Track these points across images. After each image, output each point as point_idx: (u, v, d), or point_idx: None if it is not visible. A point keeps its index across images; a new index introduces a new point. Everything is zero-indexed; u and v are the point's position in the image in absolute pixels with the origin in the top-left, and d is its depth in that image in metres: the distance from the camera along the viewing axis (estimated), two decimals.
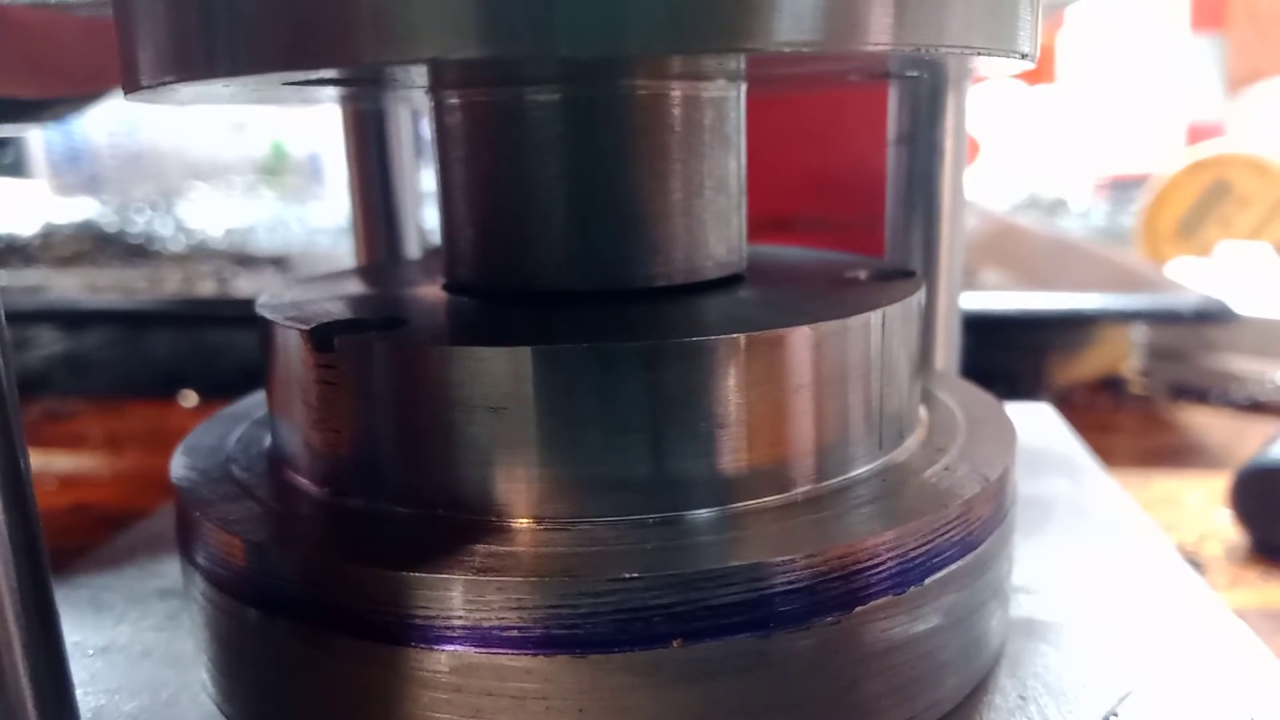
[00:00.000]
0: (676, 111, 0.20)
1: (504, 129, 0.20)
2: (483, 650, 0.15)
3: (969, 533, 0.18)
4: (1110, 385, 0.53)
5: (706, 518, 0.17)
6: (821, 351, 0.18)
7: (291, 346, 0.19)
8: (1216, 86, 1.19)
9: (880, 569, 0.17)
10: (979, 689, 0.19)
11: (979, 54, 0.16)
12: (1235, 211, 0.67)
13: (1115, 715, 0.18)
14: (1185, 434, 0.47)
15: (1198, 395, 0.51)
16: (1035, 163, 1.14)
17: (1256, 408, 0.49)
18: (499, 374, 0.17)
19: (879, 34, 0.15)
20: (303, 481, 0.19)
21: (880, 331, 0.19)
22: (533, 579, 0.15)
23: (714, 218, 0.21)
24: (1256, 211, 0.66)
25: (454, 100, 0.20)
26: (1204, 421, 0.48)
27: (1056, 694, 0.19)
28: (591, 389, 0.17)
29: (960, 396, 0.24)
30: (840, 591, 0.16)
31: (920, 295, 0.21)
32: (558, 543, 0.16)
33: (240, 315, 0.45)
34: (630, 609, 0.15)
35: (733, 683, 0.16)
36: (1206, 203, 0.68)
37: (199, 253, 0.74)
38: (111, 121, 0.95)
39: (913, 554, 0.17)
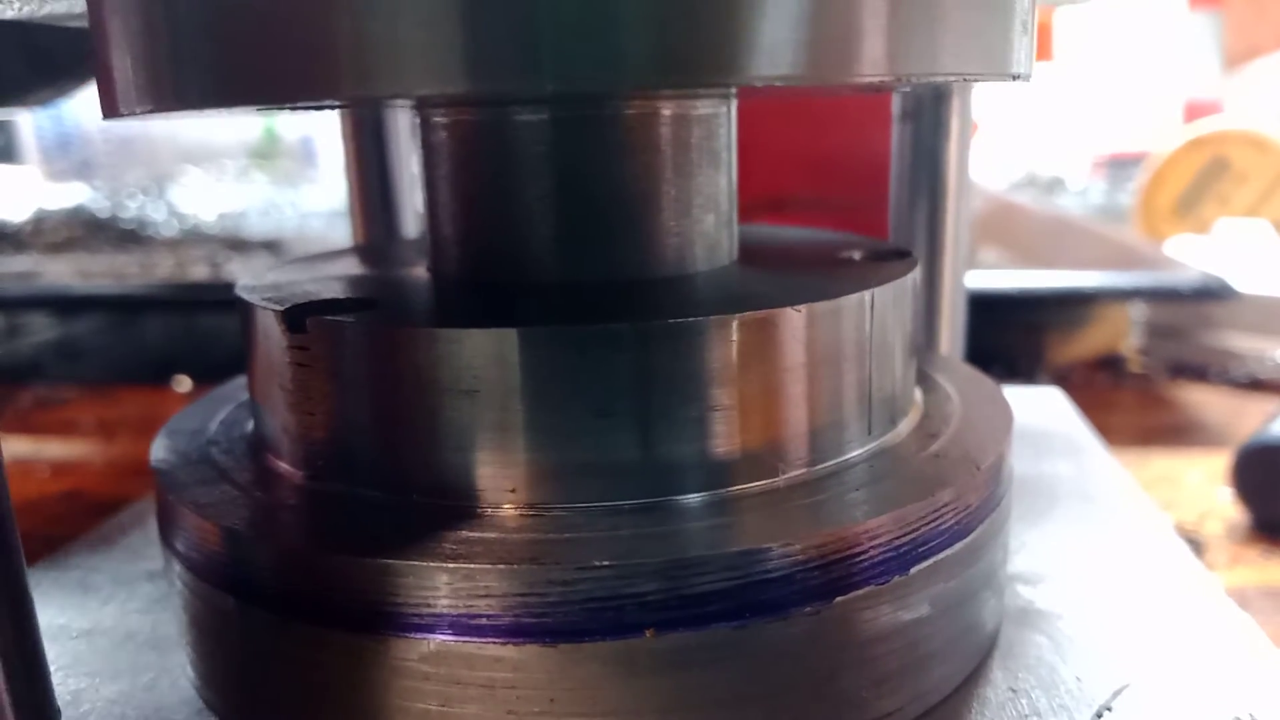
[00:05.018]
0: (665, 131, 0.19)
1: (489, 148, 0.19)
2: (452, 638, 0.15)
3: (959, 521, 0.18)
4: (1109, 364, 0.52)
5: (686, 503, 0.17)
6: (812, 332, 0.18)
7: (267, 328, 0.18)
8: (1214, 63, 1.19)
9: (862, 558, 0.16)
10: (969, 681, 0.19)
11: (972, 80, 0.16)
12: (1233, 188, 0.66)
13: (1109, 710, 0.18)
14: (1184, 412, 0.46)
15: (1197, 373, 0.50)
16: (1033, 141, 1.13)
17: (1256, 385, 0.48)
18: (469, 356, 0.16)
19: (870, 66, 0.15)
20: (281, 465, 0.19)
21: (871, 312, 0.19)
22: (501, 567, 0.15)
23: (701, 237, 0.20)
24: (1255, 188, 0.66)
25: (440, 119, 0.20)
26: (1203, 399, 0.48)
27: (1049, 687, 0.18)
28: (565, 371, 0.16)
29: (958, 380, 0.23)
30: (820, 581, 0.16)
31: (915, 275, 0.21)
32: (531, 529, 0.16)
33: (233, 299, 0.44)
34: (600, 598, 0.15)
35: (707, 673, 0.15)
36: (1205, 180, 0.67)
37: (191, 237, 0.74)
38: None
39: (897, 543, 0.17)
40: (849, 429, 0.19)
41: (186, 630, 0.19)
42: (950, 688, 0.18)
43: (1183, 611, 0.21)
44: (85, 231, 0.74)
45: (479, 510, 0.17)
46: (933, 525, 0.17)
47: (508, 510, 0.17)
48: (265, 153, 0.93)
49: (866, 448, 0.19)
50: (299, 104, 0.16)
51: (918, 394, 0.22)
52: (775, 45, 0.14)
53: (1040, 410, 0.35)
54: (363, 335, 0.17)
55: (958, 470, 0.18)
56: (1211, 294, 0.45)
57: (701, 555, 0.15)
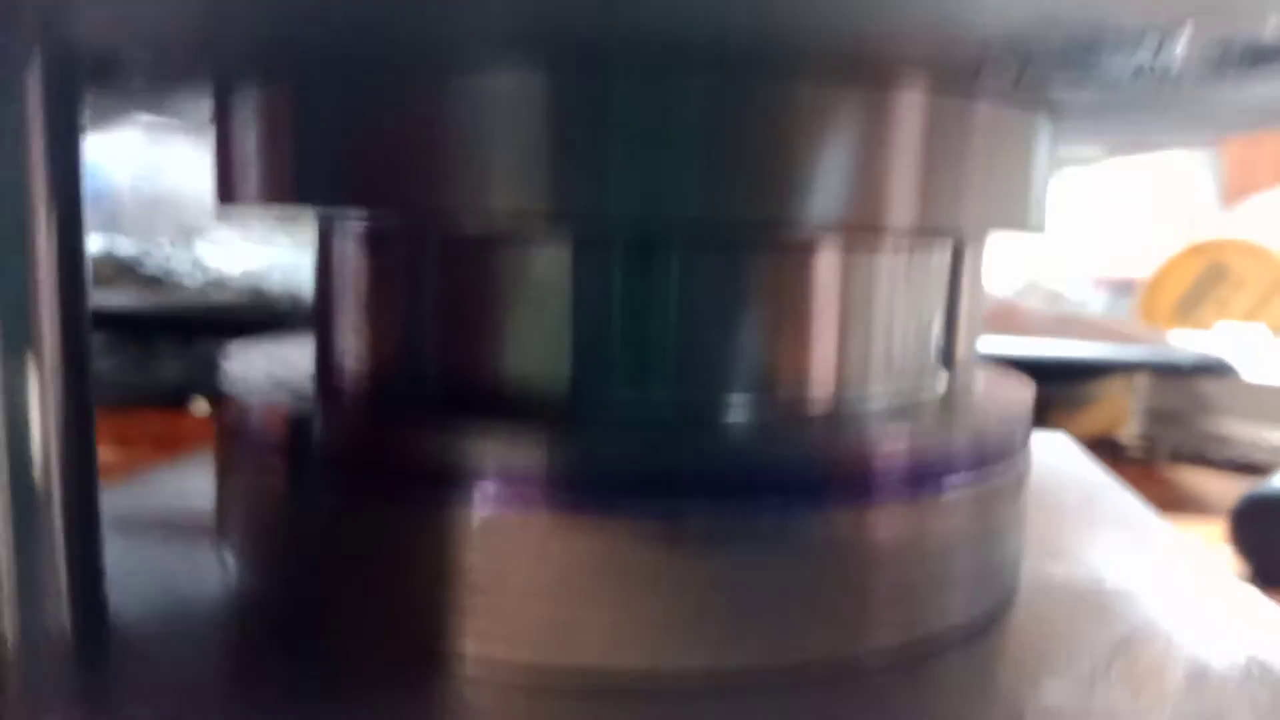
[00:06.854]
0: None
1: None
2: (505, 508, 0.16)
3: (986, 454, 0.19)
4: (1107, 445, 0.53)
5: (737, 409, 0.18)
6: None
7: (344, 241, 0.20)
8: (1213, 197, 1.22)
9: (899, 467, 0.17)
10: (994, 615, 0.19)
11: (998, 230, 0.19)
12: (1232, 293, 0.68)
13: (1127, 643, 0.18)
14: (1183, 490, 0.47)
15: (1195, 458, 0.52)
16: (1035, 256, 1.16)
17: (1254, 470, 0.49)
18: (540, 267, 0.17)
19: (900, 219, 0.17)
20: (345, 375, 0.20)
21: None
22: (558, 438, 0.16)
23: None
24: (1252, 293, 0.68)
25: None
26: (1202, 481, 0.49)
27: (1069, 630, 0.19)
28: (633, 283, 0.17)
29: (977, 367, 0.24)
30: (860, 481, 0.17)
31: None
32: (586, 423, 0.17)
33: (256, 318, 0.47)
34: (653, 473, 0.16)
35: (747, 560, 0.16)
36: (1204, 284, 0.70)
37: (215, 287, 0.76)
38: (136, 164, 0.97)
39: (933, 458, 0.18)
40: (887, 368, 0.20)
41: (233, 513, 0.20)
42: (974, 619, 0.19)
43: (1194, 581, 0.22)
44: (114, 273, 0.76)
45: (537, 409, 0.18)
46: (965, 454, 0.18)
47: (561, 410, 0.18)
48: (291, 217, 0.95)
49: (903, 385, 0.20)
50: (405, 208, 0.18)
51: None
52: (815, 197, 0.16)
53: (1050, 453, 0.36)
54: (439, 240, 0.18)
55: (987, 410, 0.19)
56: (1212, 370, 0.46)
57: (752, 442, 0.16)
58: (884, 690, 0.17)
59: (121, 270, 0.76)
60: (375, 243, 0.19)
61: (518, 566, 0.16)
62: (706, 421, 0.17)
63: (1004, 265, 1.13)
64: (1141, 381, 0.53)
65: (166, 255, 0.82)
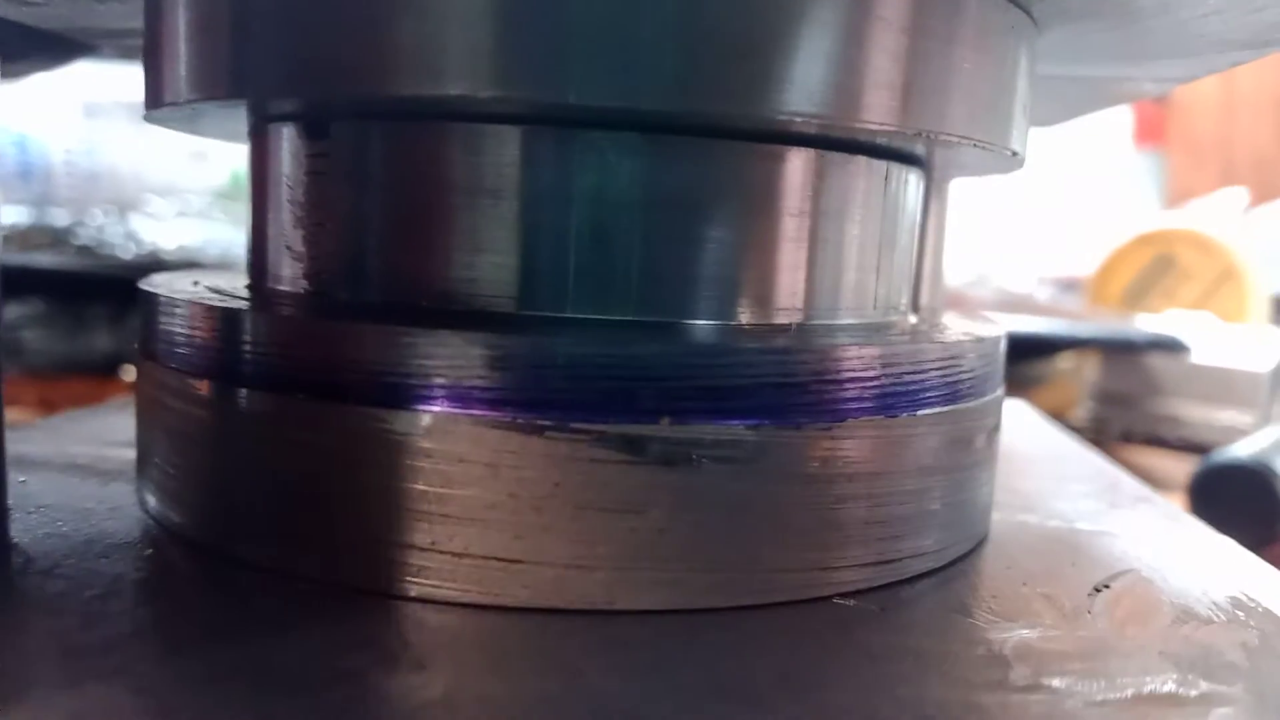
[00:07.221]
0: None
1: None
2: (459, 413, 0.15)
3: (959, 381, 0.18)
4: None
5: (698, 323, 0.17)
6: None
7: (283, 145, 0.18)
8: (1155, 199, 1.24)
9: (871, 384, 0.16)
10: (964, 557, 0.19)
11: (978, 145, 0.18)
12: (1178, 284, 0.69)
13: (1106, 587, 0.18)
14: (1134, 469, 0.47)
15: (1146, 438, 0.51)
16: (982, 252, 1.17)
17: (1203, 449, 0.49)
18: (496, 155, 0.16)
19: (883, 115, 0.16)
20: (282, 287, 0.19)
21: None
22: (517, 338, 0.15)
23: None
24: (1198, 285, 0.68)
25: None
26: (1153, 460, 0.49)
27: (1045, 565, 0.19)
28: (594, 181, 0.16)
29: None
30: (832, 396, 0.16)
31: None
32: (546, 327, 0.16)
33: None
34: (618, 379, 0.15)
35: (718, 473, 0.15)
36: (1151, 275, 0.70)
37: (150, 260, 0.73)
38: (70, 139, 0.94)
39: (905, 378, 0.17)
40: (861, 290, 0.19)
41: (157, 444, 0.18)
42: (947, 557, 0.18)
43: (1169, 528, 0.22)
44: (47, 242, 0.73)
45: (490, 314, 0.16)
46: (937, 374, 0.17)
47: (520, 315, 0.16)
48: (230, 195, 0.93)
49: (876, 310, 0.19)
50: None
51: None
52: (794, 84, 0.15)
53: (1014, 418, 0.35)
54: (387, 134, 0.17)
55: (960, 338, 0.18)
56: (1165, 346, 0.46)
57: (722, 346, 0.15)
58: (856, 625, 0.16)
59: (54, 239, 0.73)
60: (313, 140, 0.17)
61: (465, 488, 0.15)
62: (669, 331, 0.16)
63: (952, 261, 1.14)
64: (1092, 363, 0.53)
65: (99, 226, 0.79)
